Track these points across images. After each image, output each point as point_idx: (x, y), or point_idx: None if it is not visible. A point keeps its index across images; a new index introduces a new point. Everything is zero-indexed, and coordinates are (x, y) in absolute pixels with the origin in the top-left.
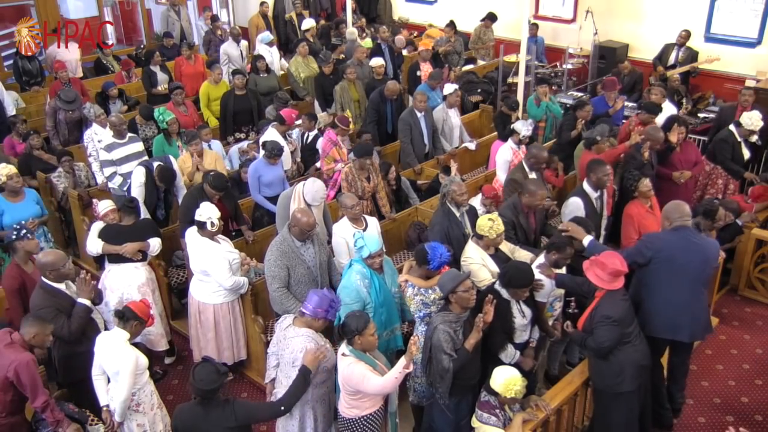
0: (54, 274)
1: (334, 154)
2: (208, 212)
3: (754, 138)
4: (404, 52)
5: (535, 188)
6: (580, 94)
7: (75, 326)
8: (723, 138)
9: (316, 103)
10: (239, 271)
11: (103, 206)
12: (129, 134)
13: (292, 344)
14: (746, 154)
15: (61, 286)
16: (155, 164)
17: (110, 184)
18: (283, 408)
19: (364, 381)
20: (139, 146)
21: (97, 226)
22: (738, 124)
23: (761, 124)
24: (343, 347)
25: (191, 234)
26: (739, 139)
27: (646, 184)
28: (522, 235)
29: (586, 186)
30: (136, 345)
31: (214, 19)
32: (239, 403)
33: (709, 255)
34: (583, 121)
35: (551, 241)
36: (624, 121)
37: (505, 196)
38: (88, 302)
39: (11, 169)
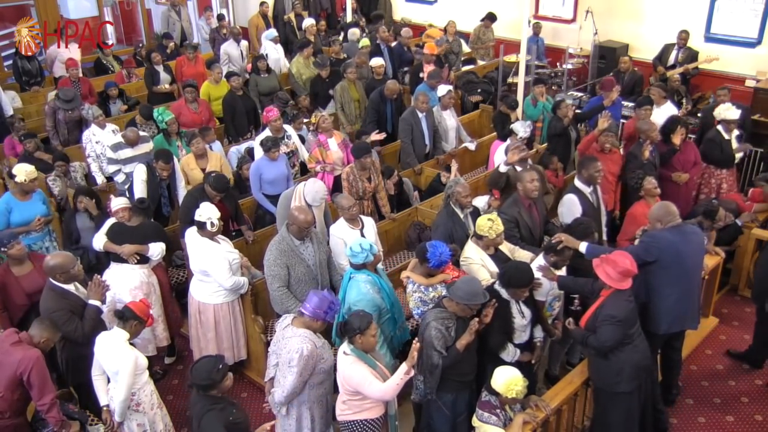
0: (64, 276)
1: (316, 155)
2: (208, 212)
3: (737, 132)
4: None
5: (524, 174)
6: (580, 94)
7: (88, 328)
8: (710, 138)
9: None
10: (239, 271)
11: (116, 203)
12: (141, 134)
13: (290, 344)
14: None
15: (70, 288)
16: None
17: (115, 179)
18: None
19: (365, 384)
20: (148, 147)
21: (110, 222)
22: (722, 121)
23: (736, 111)
24: (345, 346)
25: (191, 234)
26: (727, 137)
27: (650, 181)
28: (527, 232)
29: (577, 182)
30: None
31: (221, 17)
32: (209, 417)
33: (700, 242)
34: (569, 113)
35: (549, 243)
36: (623, 121)
37: (488, 188)
38: (99, 303)
39: (33, 172)
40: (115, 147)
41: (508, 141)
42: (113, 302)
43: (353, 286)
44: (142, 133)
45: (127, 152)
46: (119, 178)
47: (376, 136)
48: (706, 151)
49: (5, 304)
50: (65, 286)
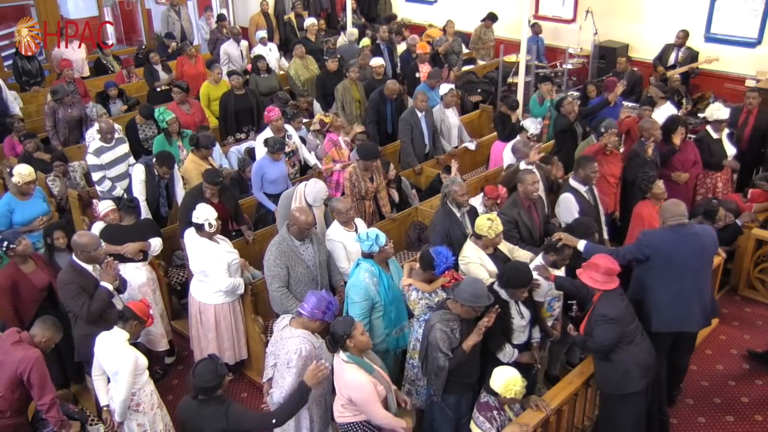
0: (84, 256)
1: (333, 154)
2: (204, 214)
3: (727, 131)
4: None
5: (525, 175)
6: (578, 94)
7: (94, 307)
8: (699, 138)
9: (316, 104)
10: (238, 272)
11: (104, 206)
12: (116, 136)
13: (288, 345)
14: (730, 149)
15: (89, 268)
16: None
17: (99, 188)
18: (274, 421)
19: (369, 405)
20: (125, 148)
21: (98, 226)
22: (710, 122)
23: (725, 110)
24: (342, 354)
25: (190, 235)
26: (716, 136)
27: (659, 186)
28: (526, 232)
29: (573, 181)
30: (135, 345)
31: (221, 17)
32: (234, 406)
33: (705, 244)
34: (573, 109)
35: (549, 242)
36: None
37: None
38: (110, 287)
39: (28, 174)
40: (97, 152)
41: (518, 137)
42: (123, 302)
43: (355, 272)
44: (117, 136)
45: (108, 155)
46: (104, 186)
47: (358, 129)
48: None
49: (16, 304)
50: (84, 265)
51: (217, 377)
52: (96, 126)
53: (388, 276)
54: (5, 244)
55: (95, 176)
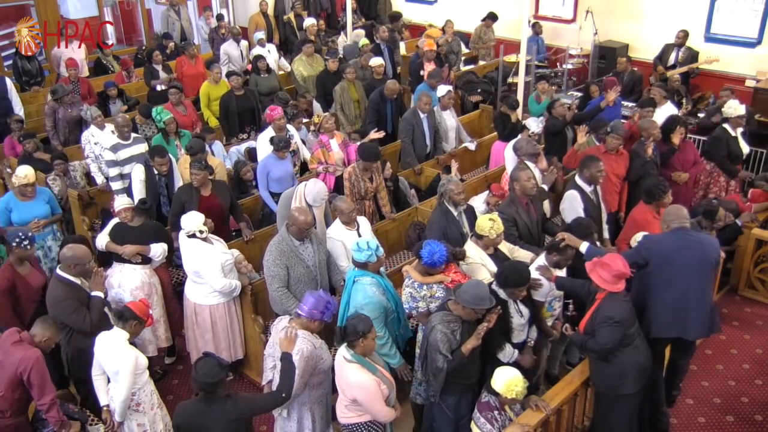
0: (77, 269)
1: (318, 156)
2: (193, 224)
3: (740, 129)
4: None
5: (520, 173)
6: (579, 94)
7: (95, 318)
8: (716, 136)
9: (317, 104)
10: (232, 273)
11: (119, 203)
12: (134, 135)
13: None
14: (744, 147)
15: (77, 280)
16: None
17: (112, 185)
18: (284, 395)
19: (373, 403)
20: (143, 147)
21: (113, 221)
22: (726, 119)
23: (743, 107)
24: (345, 351)
25: (183, 235)
26: (733, 134)
27: (669, 196)
28: (525, 231)
29: (579, 180)
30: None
31: (220, 17)
32: (240, 395)
33: (707, 252)
34: (565, 112)
35: (552, 242)
36: (624, 121)
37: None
38: (102, 294)
39: (25, 177)
40: (114, 148)
41: (519, 136)
42: (113, 302)
43: (359, 290)
44: (135, 135)
45: (125, 152)
46: (117, 185)
47: (375, 135)
48: (711, 150)
49: (14, 306)
50: (72, 279)
51: (221, 371)
52: (91, 128)
53: (385, 280)
54: (25, 243)
55: (111, 172)
